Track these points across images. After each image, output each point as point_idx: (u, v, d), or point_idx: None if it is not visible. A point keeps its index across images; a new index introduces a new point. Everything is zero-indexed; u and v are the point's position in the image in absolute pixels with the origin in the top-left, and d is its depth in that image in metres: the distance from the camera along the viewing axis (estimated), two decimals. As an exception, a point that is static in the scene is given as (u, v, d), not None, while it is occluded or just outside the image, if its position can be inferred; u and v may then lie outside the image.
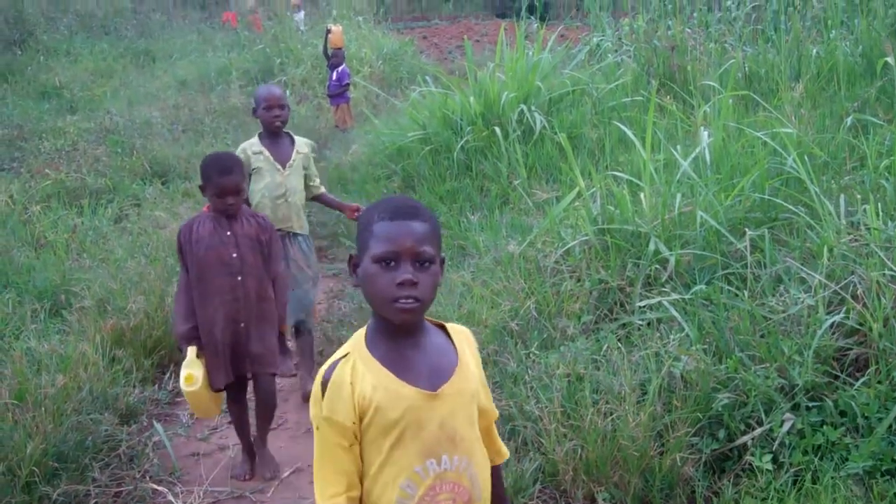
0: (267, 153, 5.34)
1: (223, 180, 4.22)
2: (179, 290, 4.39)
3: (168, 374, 5.69)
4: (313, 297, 5.71)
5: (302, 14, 22.25)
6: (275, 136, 5.40)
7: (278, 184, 5.33)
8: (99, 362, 5.27)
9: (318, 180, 5.68)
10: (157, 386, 5.58)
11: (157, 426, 4.99)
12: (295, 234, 5.48)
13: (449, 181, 8.15)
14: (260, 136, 5.42)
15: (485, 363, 4.83)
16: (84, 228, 8.02)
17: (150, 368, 5.67)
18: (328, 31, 14.11)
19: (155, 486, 4.50)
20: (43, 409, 4.57)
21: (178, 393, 5.56)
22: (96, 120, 13.20)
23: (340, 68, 13.28)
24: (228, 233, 4.30)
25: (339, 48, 13.69)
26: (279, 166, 5.35)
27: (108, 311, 5.96)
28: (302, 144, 5.51)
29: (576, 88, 9.09)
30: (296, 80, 17.11)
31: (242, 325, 4.37)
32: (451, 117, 8.81)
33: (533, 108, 8.40)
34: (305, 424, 5.17)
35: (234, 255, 4.30)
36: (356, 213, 5.52)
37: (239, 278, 4.32)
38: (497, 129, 8.13)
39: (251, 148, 5.37)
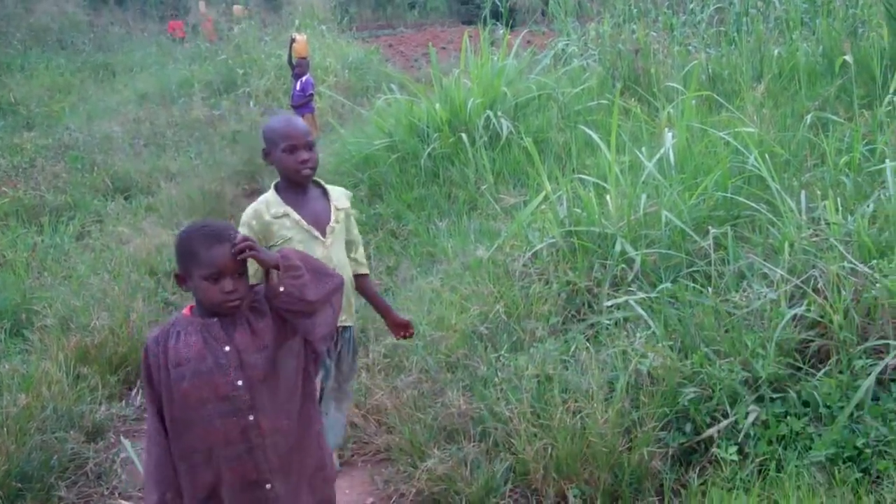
0: (295, 215, 3.82)
1: (215, 256, 2.81)
2: (149, 440, 2.97)
3: (135, 390, 5.75)
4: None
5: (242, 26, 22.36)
6: (300, 187, 3.89)
7: (321, 259, 3.35)
8: (63, 380, 5.30)
9: (361, 251, 4.17)
10: (123, 402, 5.62)
11: (125, 442, 4.99)
12: (344, 328, 4.08)
13: (416, 188, 8.27)
14: (277, 188, 3.90)
15: (454, 367, 4.97)
16: (44, 246, 8.05)
17: (116, 385, 5.71)
18: (292, 41, 14.18)
19: (124, 503, 4.56)
20: (5, 429, 4.60)
21: (146, 409, 5.63)
22: (54, 136, 13.22)
23: (304, 78, 13.36)
24: (227, 348, 2.87)
25: (304, 57, 13.76)
26: (317, 233, 3.86)
27: (71, 329, 5.99)
28: (339, 196, 4.01)
29: (542, 93, 9.24)
30: (259, 91, 17.17)
31: (269, 486, 2.98)
32: (418, 125, 8.94)
33: (499, 113, 8.55)
34: None
35: (240, 382, 2.87)
36: (403, 334, 4.25)
37: (251, 417, 2.91)
38: (464, 136, 8.27)
39: (270, 210, 3.83)
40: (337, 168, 9.69)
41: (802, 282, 4.39)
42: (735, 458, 3.75)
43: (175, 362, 2.86)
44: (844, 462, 3.61)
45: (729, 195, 5.42)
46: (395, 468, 4.52)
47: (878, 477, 3.52)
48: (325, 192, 3.99)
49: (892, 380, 3.86)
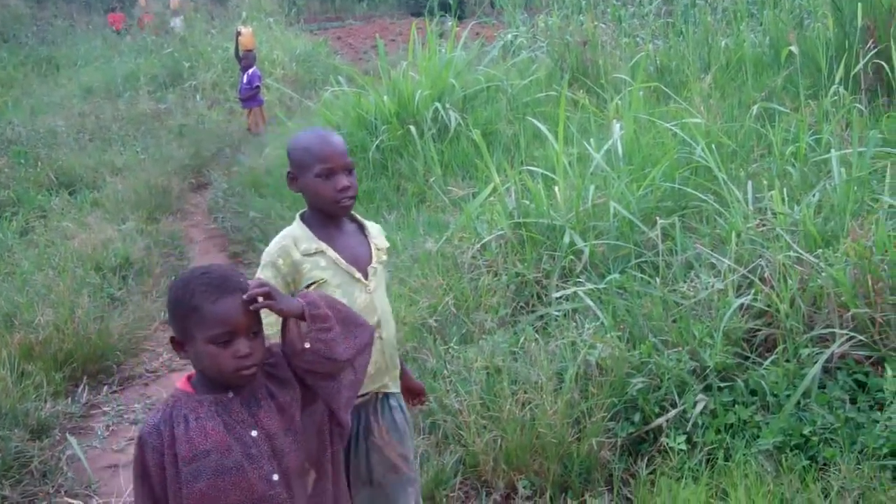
0: (332, 252, 3.04)
1: (223, 311, 2.24)
2: None
3: (81, 387, 5.66)
4: None
5: (180, 19, 22.20)
6: (334, 220, 3.13)
7: (363, 308, 3.00)
8: (7, 378, 5.21)
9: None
10: (69, 399, 5.52)
11: (71, 439, 4.96)
12: (387, 396, 3.21)
13: (365, 181, 8.23)
14: (304, 219, 3.12)
15: (405, 359, 4.93)
16: (-14, 242, 7.92)
17: (62, 382, 5.61)
18: (238, 34, 14.10)
19: (70, 501, 4.50)
20: (-52, 427, 4.52)
21: (93, 405, 5.56)
22: (-3, 131, 13.02)
23: (251, 70, 13.27)
24: (254, 432, 2.30)
25: (250, 50, 13.68)
26: (359, 275, 3.06)
27: (15, 326, 5.89)
28: (377, 232, 3.27)
29: (490, 85, 9.24)
30: (206, 84, 17.03)
31: None
32: (366, 117, 8.90)
33: (447, 105, 8.53)
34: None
35: (275, 476, 2.30)
36: (416, 401, 3.46)
37: None
38: (412, 128, 8.24)
39: (300, 246, 3.04)
40: (285, 162, 9.58)
41: (749, 271, 4.42)
42: (683, 447, 3.76)
43: (187, 457, 2.22)
44: (792, 450, 3.63)
45: (676, 186, 5.45)
46: (344, 463, 4.48)
47: (824, 464, 3.55)
48: (361, 227, 3.22)
49: (839, 368, 3.89)
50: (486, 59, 10.67)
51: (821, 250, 4.31)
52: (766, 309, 4.22)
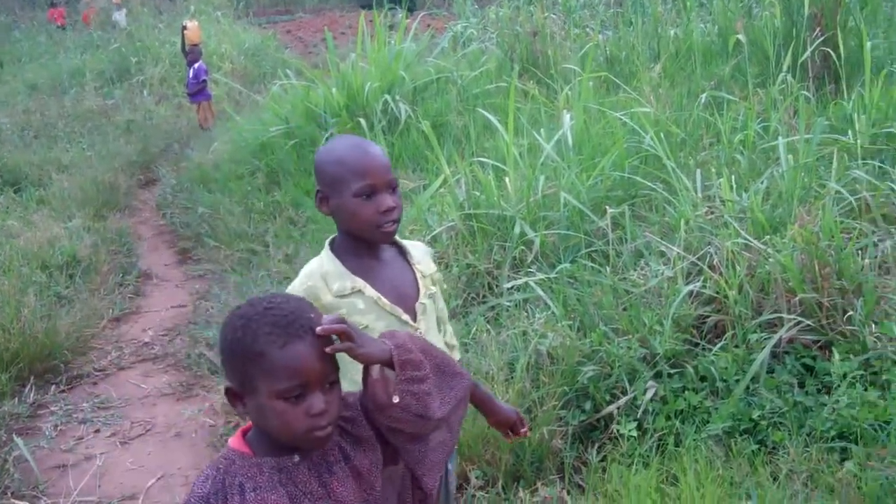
0: (371, 291, 2.55)
1: (295, 358, 1.83)
2: None
3: (28, 387, 5.59)
4: None
5: (122, 13, 22.00)
6: (372, 248, 2.62)
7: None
8: (-50, 380, 5.15)
9: (450, 329, 2.90)
10: (16, 399, 5.45)
11: (18, 440, 4.89)
12: None
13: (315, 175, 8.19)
14: (334, 247, 2.61)
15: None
16: (-72, 242, 7.80)
17: (8, 382, 5.53)
18: (184, 28, 13.97)
19: (17, 503, 4.44)
20: None
21: (40, 405, 5.49)
22: (-62, 129, 12.85)
23: (197, 65, 13.17)
24: None
25: (196, 44, 13.57)
26: (406, 316, 2.59)
27: (-43, 326, 5.81)
28: (422, 256, 2.76)
29: (440, 77, 9.23)
30: (154, 79, 16.88)
31: None
32: (315, 110, 8.86)
33: (397, 97, 8.52)
34: (176, 428, 5.16)
35: None
36: (517, 431, 2.63)
37: None
38: (362, 121, 8.21)
39: (332, 285, 2.55)
40: (233, 156, 9.58)
41: (698, 258, 4.47)
42: (634, 433, 3.79)
43: None
44: (741, 434, 3.68)
45: (626, 175, 5.49)
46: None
47: (773, 448, 3.60)
48: (401, 251, 2.71)
49: (787, 352, 3.95)
50: (436, 51, 10.67)
51: (769, 237, 4.37)
52: (715, 295, 4.27)
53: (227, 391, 1.90)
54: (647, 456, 3.68)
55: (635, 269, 4.62)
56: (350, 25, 24.66)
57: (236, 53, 17.88)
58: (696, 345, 4.14)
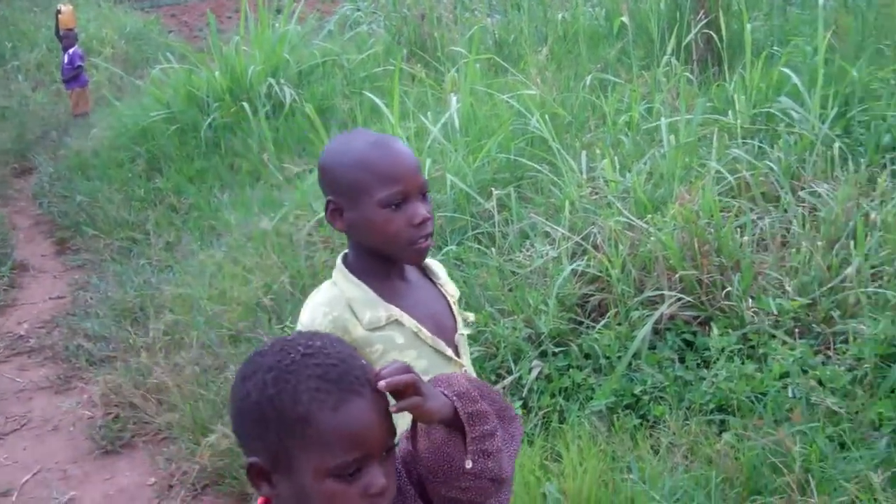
0: (409, 320, 2.11)
1: (351, 425, 1.41)
2: None
3: None
4: None
5: None
6: (396, 267, 2.17)
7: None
8: None
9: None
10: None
11: None
12: None
13: (197, 160, 8.11)
14: (352, 267, 2.16)
15: (237, 341, 4.92)
16: None
17: None
18: (58, 12, 13.62)
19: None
20: None
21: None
22: None
23: (72, 50, 12.85)
24: None
25: (71, 29, 13.23)
26: (450, 352, 2.17)
27: None
28: (443, 274, 2.31)
29: (326, 60, 9.20)
30: (30, 64, 16.40)
31: None
32: (197, 94, 8.74)
33: (282, 81, 8.46)
34: (53, 422, 5.07)
35: None
36: None
37: None
38: (245, 105, 8.15)
39: (363, 315, 2.09)
40: (112, 143, 9.40)
41: (583, 238, 4.57)
42: (519, 412, 3.86)
43: None
44: (623, 409, 3.78)
45: (512, 157, 5.57)
46: (178, 447, 4.45)
47: (654, 422, 3.71)
48: (423, 273, 2.25)
49: (668, 329, 4.06)
50: (322, 34, 10.62)
51: (650, 216, 4.48)
52: (599, 274, 4.38)
53: (250, 469, 1.46)
54: (532, 434, 3.75)
55: (521, 251, 4.70)
56: (237, 10, 24.29)
57: (117, 38, 17.48)
58: (581, 323, 4.23)
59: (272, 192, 6.76)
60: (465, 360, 2.20)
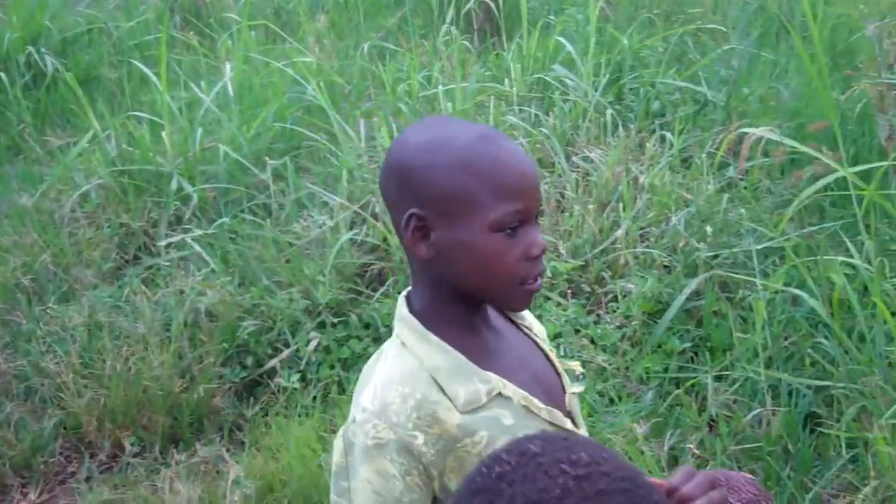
0: (514, 389, 1.48)
1: None
2: None
3: None
4: None
5: None
6: (478, 311, 1.53)
7: None
8: None
9: None
10: None
11: None
12: None
13: (-51, 135, 7.68)
14: (422, 315, 1.49)
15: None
16: None
17: None
18: None
19: None
20: None
21: None
22: None
23: None
24: None
25: None
26: (562, 419, 1.55)
27: None
28: (532, 318, 1.73)
29: (92, 27, 8.86)
30: None
31: None
32: (-55, 64, 8.26)
33: (43, 49, 8.09)
34: None
35: None
36: None
37: None
38: (2, 75, 7.75)
39: (458, 393, 1.43)
40: None
41: (361, 207, 4.57)
42: (297, 385, 3.86)
43: None
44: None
45: (289, 126, 5.51)
46: None
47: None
48: (506, 318, 1.65)
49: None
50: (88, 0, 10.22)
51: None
52: (378, 244, 4.40)
53: None
54: (311, 407, 3.75)
55: (298, 221, 4.67)
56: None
57: None
58: (360, 293, 4.25)
59: (32, 166, 6.47)
60: (583, 429, 1.64)
